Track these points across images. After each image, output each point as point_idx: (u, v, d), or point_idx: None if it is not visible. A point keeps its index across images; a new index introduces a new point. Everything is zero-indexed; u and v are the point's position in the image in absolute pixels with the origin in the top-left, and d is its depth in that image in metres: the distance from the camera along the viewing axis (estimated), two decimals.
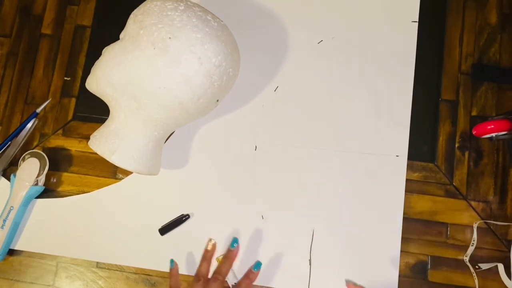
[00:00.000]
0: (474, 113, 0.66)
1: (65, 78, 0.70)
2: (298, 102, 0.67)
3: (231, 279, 0.61)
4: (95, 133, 0.61)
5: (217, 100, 0.61)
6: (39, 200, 0.66)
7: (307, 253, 0.62)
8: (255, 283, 0.61)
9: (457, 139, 0.65)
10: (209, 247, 0.62)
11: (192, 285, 0.59)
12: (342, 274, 0.62)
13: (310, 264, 0.62)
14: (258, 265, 0.62)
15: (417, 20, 0.67)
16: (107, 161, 0.59)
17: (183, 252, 0.64)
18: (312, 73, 0.67)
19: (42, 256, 0.65)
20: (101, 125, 0.62)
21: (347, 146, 0.65)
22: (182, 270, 0.63)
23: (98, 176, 0.67)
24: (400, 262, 0.62)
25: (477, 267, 0.62)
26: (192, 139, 0.67)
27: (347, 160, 0.64)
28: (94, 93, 0.62)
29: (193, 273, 0.63)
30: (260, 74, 0.68)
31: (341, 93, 0.66)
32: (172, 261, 0.63)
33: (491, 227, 0.63)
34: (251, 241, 0.63)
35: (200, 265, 0.62)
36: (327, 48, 0.68)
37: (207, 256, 0.62)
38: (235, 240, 0.62)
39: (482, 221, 0.63)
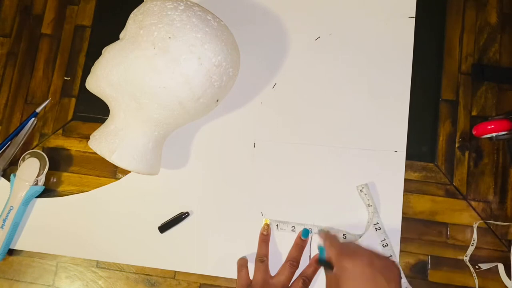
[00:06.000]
0: (474, 113, 0.66)
1: (65, 78, 0.70)
2: (297, 98, 0.67)
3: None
4: (95, 133, 0.61)
5: (217, 100, 0.61)
6: (39, 199, 0.66)
7: (307, 250, 0.62)
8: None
9: (457, 139, 0.65)
10: (265, 232, 0.63)
11: (257, 265, 0.60)
12: None
13: (310, 261, 0.62)
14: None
15: (414, 16, 0.67)
16: (107, 161, 0.59)
17: (182, 249, 0.64)
18: (310, 69, 0.67)
19: (42, 256, 0.65)
20: (101, 125, 0.62)
21: (345, 142, 0.65)
22: (183, 267, 0.63)
23: (98, 176, 0.67)
24: (400, 262, 0.62)
25: (477, 267, 0.62)
26: (191, 138, 0.67)
27: (346, 156, 0.64)
28: (94, 93, 0.62)
29: (194, 271, 0.63)
30: (258, 72, 0.68)
31: (339, 89, 0.66)
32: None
33: (491, 227, 0.63)
34: (251, 238, 0.63)
35: (260, 247, 0.62)
36: (325, 44, 0.68)
37: (265, 239, 0.62)
38: (306, 231, 0.62)
39: (482, 221, 0.63)
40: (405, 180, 0.64)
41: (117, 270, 0.64)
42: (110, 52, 0.59)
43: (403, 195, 0.63)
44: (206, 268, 0.63)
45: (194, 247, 0.64)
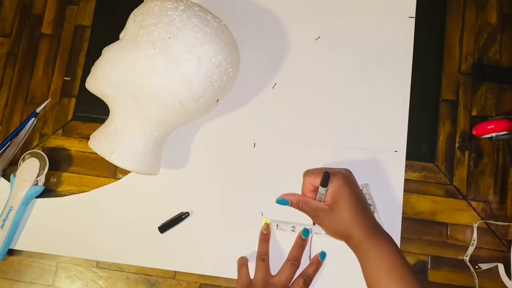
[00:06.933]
0: (474, 113, 0.66)
1: (65, 78, 0.70)
2: (296, 98, 0.67)
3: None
4: (95, 133, 0.61)
5: (217, 100, 0.61)
6: (39, 200, 0.66)
7: (307, 250, 0.62)
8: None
9: (457, 139, 0.65)
10: (265, 231, 0.63)
11: (258, 264, 0.61)
12: (342, 270, 0.62)
13: (310, 260, 0.62)
14: (323, 255, 0.62)
15: (414, 16, 0.67)
16: (107, 161, 0.59)
17: (182, 249, 0.64)
18: (310, 69, 0.67)
19: (42, 256, 0.65)
20: (101, 125, 0.62)
21: (345, 142, 0.65)
22: (183, 267, 0.63)
23: (98, 176, 0.67)
24: None
25: (477, 267, 0.62)
26: (191, 138, 0.67)
27: (346, 156, 0.64)
28: (94, 93, 0.62)
29: (194, 271, 0.63)
30: (258, 72, 0.68)
31: (339, 89, 0.66)
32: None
33: (491, 227, 0.63)
34: (251, 238, 0.63)
35: (261, 246, 0.62)
36: (325, 44, 0.68)
37: (265, 238, 0.63)
38: (307, 231, 0.62)
39: (482, 221, 0.63)
40: (405, 180, 0.64)
41: (117, 270, 0.64)
42: (110, 52, 0.59)
43: (403, 195, 0.63)
44: (206, 268, 0.63)
45: (194, 247, 0.64)
